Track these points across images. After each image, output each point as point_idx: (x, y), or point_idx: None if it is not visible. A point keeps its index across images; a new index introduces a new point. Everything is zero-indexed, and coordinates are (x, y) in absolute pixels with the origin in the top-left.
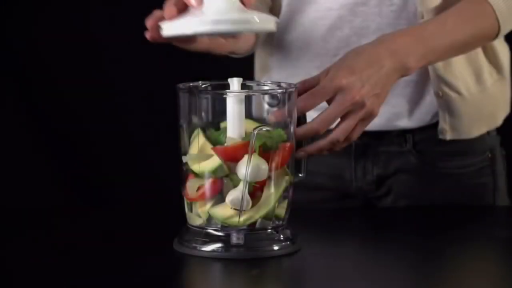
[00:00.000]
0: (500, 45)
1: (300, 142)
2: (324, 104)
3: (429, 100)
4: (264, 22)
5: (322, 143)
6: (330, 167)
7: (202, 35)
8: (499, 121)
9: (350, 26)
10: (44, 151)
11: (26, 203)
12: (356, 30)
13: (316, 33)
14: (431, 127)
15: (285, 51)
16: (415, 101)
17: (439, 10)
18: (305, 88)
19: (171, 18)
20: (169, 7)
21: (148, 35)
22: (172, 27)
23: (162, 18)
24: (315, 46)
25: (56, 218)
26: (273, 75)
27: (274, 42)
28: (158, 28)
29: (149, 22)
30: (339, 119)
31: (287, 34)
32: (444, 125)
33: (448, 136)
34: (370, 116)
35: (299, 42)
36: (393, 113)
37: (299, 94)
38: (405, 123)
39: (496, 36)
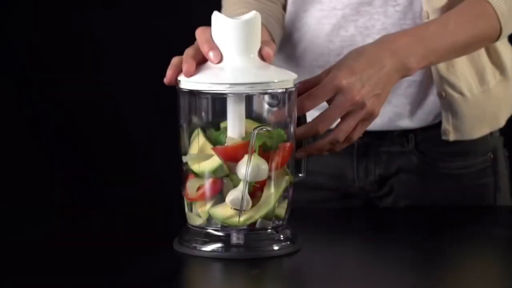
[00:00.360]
0: (503, 46)
1: (300, 142)
2: (325, 104)
3: (432, 101)
4: (282, 83)
5: (322, 143)
6: (332, 167)
7: None
8: (502, 122)
9: (355, 26)
10: (44, 151)
11: (26, 203)
12: (361, 29)
13: (320, 32)
14: (433, 128)
15: (289, 49)
16: (417, 102)
17: (445, 10)
18: (306, 87)
19: (189, 76)
20: (188, 62)
21: (166, 82)
22: (190, 82)
23: (181, 69)
24: (319, 46)
25: (56, 218)
26: None
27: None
28: (176, 78)
29: (169, 72)
30: (339, 119)
31: (292, 33)
32: (447, 126)
33: (451, 137)
34: (371, 116)
35: (304, 41)
36: (395, 113)
37: (300, 94)
38: (407, 123)
39: (497, 37)
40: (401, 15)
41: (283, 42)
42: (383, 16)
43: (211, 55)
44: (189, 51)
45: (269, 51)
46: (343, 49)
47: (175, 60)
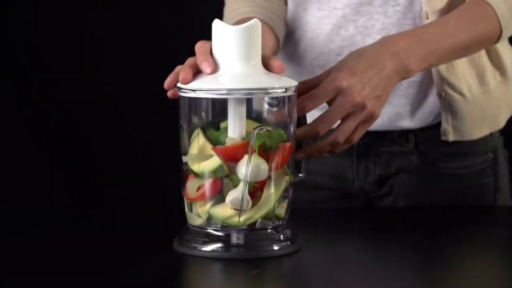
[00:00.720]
0: (503, 47)
1: (300, 143)
2: (325, 104)
3: (432, 101)
4: (282, 89)
5: (322, 144)
6: (332, 167)
7: None
8: (501, 123)
9: (355, 26)
10: (44, 151)
11: (26, 203)
12: (361, 29)
13: (320, 32)
14: (433, 128)
15: (290, 48)
16: (417, 102)
17: (444, 10)
18: (306, 88)
19: (186, 83)
20: (185, 71)
21: (166, 87)
22: (189, 89)
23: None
24: (319, 45)
25: (56, 218)
26: None
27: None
28: (175, 86)
29: (168, 79)
30: (339, 121)
31: (292, 31)
32: (447, 126)
33: (451, 137)
34: (371, 118)
35: (304, 40)
36: (395, 113)
37: (300, 94)
38: (407, 123)
39: (498, 39)
40: (401, 15)
41: (284, 40)
42: (383, 16)
43: (203, 64)
44: (189, 60)
45: (280, 63)
46: (343, 48)
47: (177, 68)
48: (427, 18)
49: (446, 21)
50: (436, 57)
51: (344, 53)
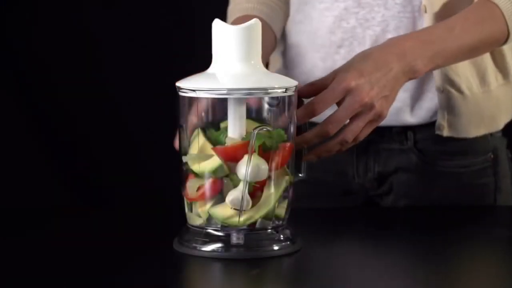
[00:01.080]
0: (509, 50)
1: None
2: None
3: (431, 97)
4: (282, 89)
5: (331, 144)
6: (332, 164)
7: None
8: (500, 124)
9: (356, 18)
10: (44, 151)
11: (26, 203)
12: (361, 21)
13: (322, 24)
14: (432, 126)
15: (291, 41)
16: (416, 96)
17: (444, 6)
18: (312, 90)
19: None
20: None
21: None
22: (189, 89)
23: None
24: (321, 37)
25: (56, 218)
26: (277, 65)
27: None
28: None
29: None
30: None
31: (295, 25)
32: (442, 121)
33: (445, 132)
34: (379, 118)
35: (306, 33)
36: (394, 108)
37: (306, 96)
38: (406, 118)
39: (505, 41)
40: (401, 7)
41: (287, 33)
42: (383, 8)
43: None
44: None
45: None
46: (344, 41)
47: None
48: (426, 11)
49: (452, 23)
50: (442, 58)
51: (345, 45)
